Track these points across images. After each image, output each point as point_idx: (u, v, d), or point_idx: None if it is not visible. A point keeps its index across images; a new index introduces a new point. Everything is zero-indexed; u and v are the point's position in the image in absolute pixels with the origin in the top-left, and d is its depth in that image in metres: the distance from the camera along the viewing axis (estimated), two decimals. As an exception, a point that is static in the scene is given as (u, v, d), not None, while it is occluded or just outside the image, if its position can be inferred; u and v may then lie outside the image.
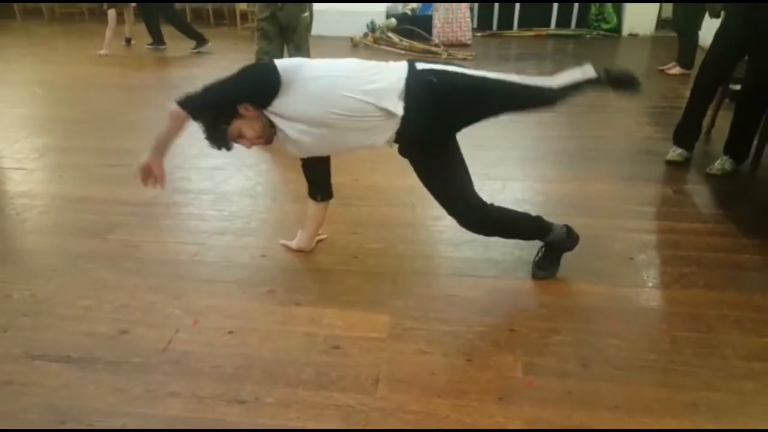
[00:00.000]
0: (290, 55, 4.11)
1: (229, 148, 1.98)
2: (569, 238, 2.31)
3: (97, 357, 1.90)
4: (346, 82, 1.86)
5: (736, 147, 3.28)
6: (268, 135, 1.96)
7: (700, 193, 3.14)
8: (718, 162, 3.30)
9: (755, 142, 3.29)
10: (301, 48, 4.09)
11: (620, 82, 2.20)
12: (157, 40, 6.87)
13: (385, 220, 2.78)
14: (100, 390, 1.77)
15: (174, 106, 1.90)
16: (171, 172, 3.33)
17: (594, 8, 7.68)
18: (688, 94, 3.49)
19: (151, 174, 2.10)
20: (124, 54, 6.73)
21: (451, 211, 2.16)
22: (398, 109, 1.87)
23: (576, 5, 7.75)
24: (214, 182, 3.21)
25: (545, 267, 2.31)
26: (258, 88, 1.87)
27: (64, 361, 1.89)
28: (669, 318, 2.10)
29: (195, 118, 1.90)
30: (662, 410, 1.69)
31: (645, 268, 2.42)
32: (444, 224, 2.69)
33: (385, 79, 1.88)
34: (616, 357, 1.90)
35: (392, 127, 1.92)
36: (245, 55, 6.82)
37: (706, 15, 4.72)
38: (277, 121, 1.91)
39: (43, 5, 9.02)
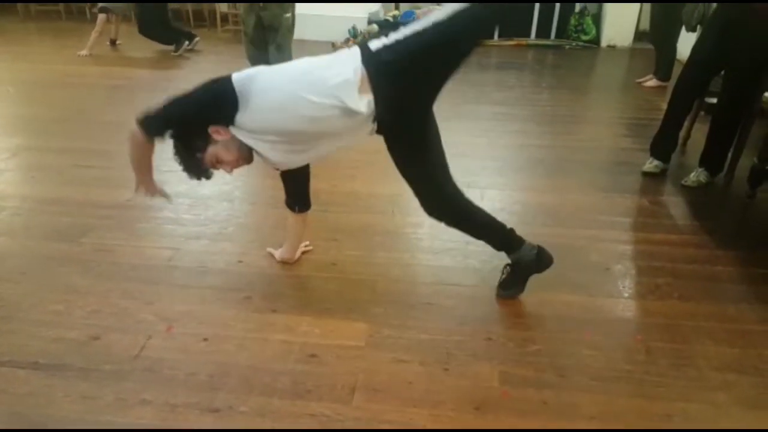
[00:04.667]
0: (271, 56, 4.12)
1: (208, 177, 1.94)
2: (538, 261, 2.17)
3: (66, 363, 1.86)
4: (305, 87, 1.74)
5: (711, 159, 3.34)
6: (246, 155, 1.90)
7: (675, 205, 3.18)
8: (693, 174, 3.34)
9: (730, 155, 3.34)
10: (283, 49, 4.09)
11: None
12: (185, 37, 6.76)
13: (364, 228, 2.76)
14: (69, 398, 1.73)
15: (135, 129, 1.81)
16: (147, 175, 3.31)
17: (573, 20, 7.76)
18: (664, 106, 3.54)
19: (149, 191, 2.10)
20: (106, 55, 6.63)
21: (418, 191, 2.05)
22: (362, 106, 1.74)
23: (556, 17, 7.83)
24: (190, 186, 3.14)
25: (508, 287, 2.25)
26: (215, 103, 1.79)
27: (32, 368, 1.84)
28: (644, 329, 2.11)
29: (156, 139, 1.84)
30: (637, 421, 1.70)
31: (621, 278, 2.43)
32: (423, 232, 2.69)
33: (341, 74, 1.74)
34: (593, 367, 1.90)
35: (364, 124, 1.82)
36: (225, 57, 6.80)
37: (683, 28, 4.80)
38: (245, 138, 1.82)
39: (18, 2, 8.86)
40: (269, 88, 1.76)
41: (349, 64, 1.77)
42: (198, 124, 1.81)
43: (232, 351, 1.94)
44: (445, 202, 2.09)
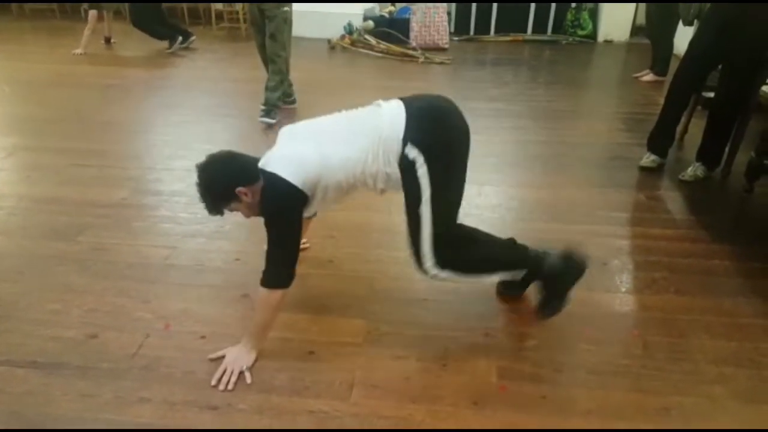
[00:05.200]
0: (267, 44, 4.23)
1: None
2: (569, 267, 1.98)
3: (64, 362, 1.86)
4: (359, 179, 1.87)
5: (708, 154, 3.34)
6: None
7: (672, 199, 3.18)
8: (690, 168, 3.35)
9: (727, 149, 3.35)
10: (276, 39, 4.17)
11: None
12: (181, 34, 6.71)
13: (361, 225, 2.76)
14: (67, 396, 1.73)
15: (267, 294, 1.82)
16: (142, 174, 3.32)
17: (570, 14, 7.76)
18: (661, 101, 3.54)
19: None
20: (101, 53, 6.60)
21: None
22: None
23: (552, 12, 7.82)
24: (186, 184, 3.16)
25: (547, 304, 2.03)
26: (300, 212, 1.84)
27: (30, 367, 1.84)
28: (641, 323, 2.12)
29: (290, 277, 1.84)
30: (634, 415, 1.70)
31: (618, 273, 2.44)
32: (420, 228, 2.68)
33: (388, 165, 1.82)
34: (590, 362, 1.91)
35: None
36: (221, 54, 6.78)
37: (680, 23, 4.81)
38: None
39: (12, 1, 8.82)
40: (330, 184, 1.84)
41: (393, 154, 1.81)
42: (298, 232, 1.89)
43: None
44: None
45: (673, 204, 3.14)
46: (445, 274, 1.91)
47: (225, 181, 1.81)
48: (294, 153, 1.83)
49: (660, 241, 2.68)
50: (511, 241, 2.11)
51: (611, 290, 2.31)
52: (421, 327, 2.06)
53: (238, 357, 1.85)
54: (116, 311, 2.12)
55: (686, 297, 2.26)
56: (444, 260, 1.89)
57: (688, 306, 2.20)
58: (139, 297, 2.20)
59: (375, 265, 2.44)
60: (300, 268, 2.38)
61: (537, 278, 2.05)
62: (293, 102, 4.61)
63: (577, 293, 2.20)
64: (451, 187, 1.90)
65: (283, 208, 1.80)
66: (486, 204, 2.99)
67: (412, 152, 1.78)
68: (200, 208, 2.82)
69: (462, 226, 2.01)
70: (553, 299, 2.02)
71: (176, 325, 2.05)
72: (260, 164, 1.82)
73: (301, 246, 2.49)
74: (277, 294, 1.82)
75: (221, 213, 1.88)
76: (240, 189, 1.79)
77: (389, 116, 1.83)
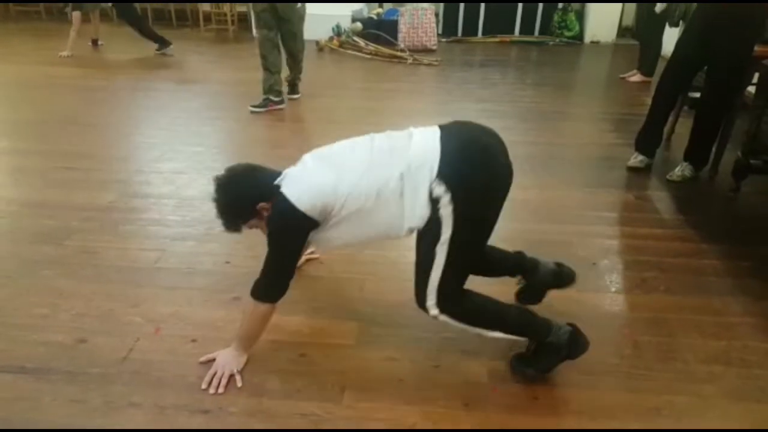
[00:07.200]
0: (284, 44, 4.49)
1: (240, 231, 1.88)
2: (573, 345, 1.80)
3: (53, 367, 1.84)
4: (377, 217, 1.71)
5: (695, 154, 3.37)
6: None
7: (660, 199, 3.20)
8: (678, 168, 3.37)
9: (714, 149, 3.38)
10: (297, 36, 4.49)
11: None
12: (160, 42, 6.66)
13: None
14: (56, 402, 1.71)
15: (255, 306, 1.77)
16: (130, 177, 3.29)
17: (556, 16, 7.81)
18: (649, 101, 3.57)
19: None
20: (88, 56, 6.56)
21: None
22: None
23: (539, 13, 7.87)
24: (175, 186, 3.15)
25: (530, 364, 1.85)
26: (304, 237, 1.75)
27: (18, 372, 1.82)
28: (631, 323, 2.13)
29: (281, 294, 1.78)
30: (625, 414, 1.71)
31: (608, 273, 2.45)
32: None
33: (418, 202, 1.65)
34: (581, 362, 1.90)
35: None
36: (208, 56, 6.75)
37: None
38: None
39: (-2, 3, 8.75)
40: (344, 218, 1.70)
41: (421, 188, 1.65)
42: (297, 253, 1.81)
43: (221, 352, 1.92)
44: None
45: (662, 204, 3.17)
46: (443, 317, 1.75)
47: (247, 196, 1.77)
48: (309, 179, 1.72)
49: (649, 240, 2.69)
50: (527, 311, 1.87)
51: (601, 290, 2.32)
52: (413, 328, 2.05)
53: (228, 360, 1.84)
54: (105, 315, 2.10)
55: (676, 296, 2.28)
56: (444, 305, 1.74)
57: (677, 305, 2.22)
58: (128, 301, 2.18)
59: (366, 266, 2.44)
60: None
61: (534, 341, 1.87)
62: (282, 102, 4.61)
63: (567, 293, 2.22)
64: (476, 232, 1.75)
65: (286, 230, 1.73)
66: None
67: (438, 189, 1.61)
68: (189, 211, 2.86)
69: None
70: (532, 368, 1.85)
71: (166, 329, 2.03)
72: (278, 180, 1.75)
73: (310, 255, 2.44)
74: (264, 307, 1.78)
75: (239, 230, 1.84)
76: (262, 204, 1.75)
77: (421, 148, 1.67)
